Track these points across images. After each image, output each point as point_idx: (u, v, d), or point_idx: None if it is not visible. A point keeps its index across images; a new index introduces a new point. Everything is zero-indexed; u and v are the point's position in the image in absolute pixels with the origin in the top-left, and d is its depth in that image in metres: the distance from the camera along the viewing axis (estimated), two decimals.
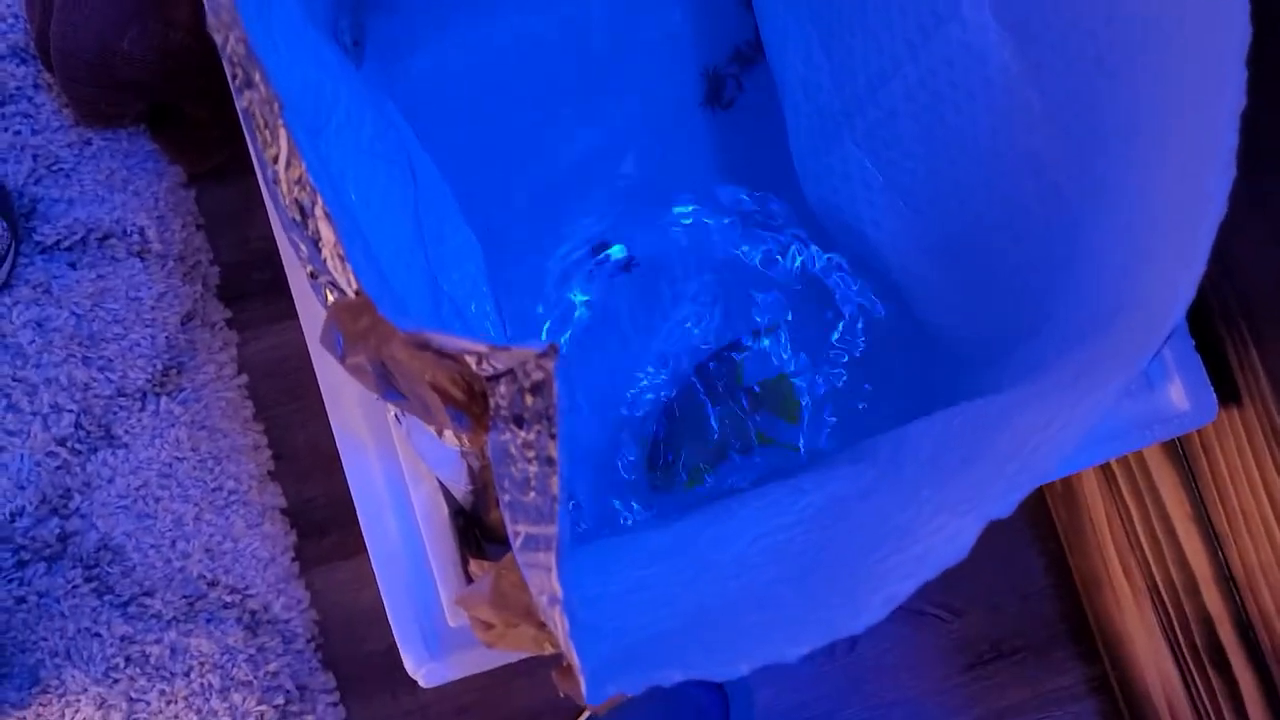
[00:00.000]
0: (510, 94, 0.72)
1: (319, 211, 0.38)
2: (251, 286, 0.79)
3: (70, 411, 0.74)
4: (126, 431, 0.75)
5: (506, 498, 0.37)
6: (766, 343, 0.70)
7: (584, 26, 0.73)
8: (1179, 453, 0.60)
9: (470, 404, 0.41)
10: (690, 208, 0.72)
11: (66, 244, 0.76)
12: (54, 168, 0.76)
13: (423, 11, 0.70)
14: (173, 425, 0.75)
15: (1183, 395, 0.52)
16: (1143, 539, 0.65)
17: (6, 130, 0.76)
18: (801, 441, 0.68)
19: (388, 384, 0.39)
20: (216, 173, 0.79)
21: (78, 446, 0.74)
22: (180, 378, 0.76)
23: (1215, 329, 0.54)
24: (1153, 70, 0.40)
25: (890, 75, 0.57)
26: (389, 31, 0.69)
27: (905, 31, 0.54)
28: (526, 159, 0.72)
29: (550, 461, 0.34)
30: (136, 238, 0.77)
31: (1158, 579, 0.65)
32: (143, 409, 0.75)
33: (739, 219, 0.72)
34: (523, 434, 0.35)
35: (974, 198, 0.56)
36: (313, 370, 0.77)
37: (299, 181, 0.38)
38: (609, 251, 0.71)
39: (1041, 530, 0.80)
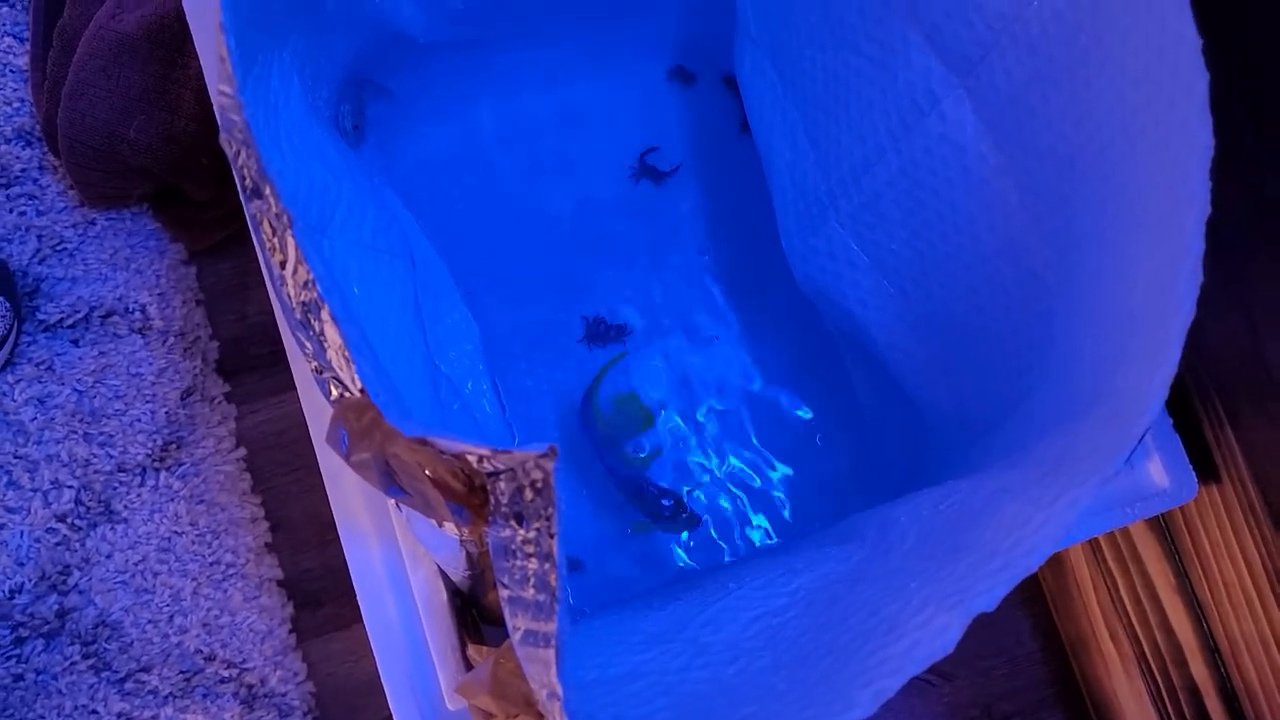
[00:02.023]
0: (501, 172, 0.74)
1: (325, 316, 0.39)
2: (249, 361, 0.80)
3: (70, 487, 0.75)
4: (126, 507, 0.76)
5: (507, 593, 0.38)
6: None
7: (573, 113, 0.75)
8: (1162, 525, 0.61)
9: (470, 497, 0.42)
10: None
11: (69, 322, 0.77)
12: (58, 247, 0.78)
13: (418, 98, 0.72)
14: (171, 500, 0.76)
15: (1163, 474, 0.54)
16: (1129, 607, 0.66)
17: (12, 212, 0.78)
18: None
19: (391, 481, 0.40)
20: (216, 249, 0.81)
21: (77, 522, 0.75)
22: (179, 452, 0.77)
23: (1192, 408, 0.56)
24: (1121, 175, 0.42)
25: (874, 162, 0.59)
26: (387, 116, 0.71)
27: (887, 122, 0.57)
28: (517, 234, 0.74)
29: (550, 559, 0.35)
30: (138, 314, 0.78)
31: (1145, 647, 0.66)
32: (142, 484, 0.76)
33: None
34: (523, 531, 0.36)
35: (955, 280, 0.58)
36: (308, 442, 0.79)
37: (306, 285, 0.39)
38: (602, 316, 0.73)
39: (1029, 594, 0.81)
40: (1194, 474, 0.54)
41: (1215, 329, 0.53)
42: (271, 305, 0.80)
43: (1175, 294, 0.37)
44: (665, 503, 0.65)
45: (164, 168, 0.73)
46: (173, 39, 0.71)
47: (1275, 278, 0.50)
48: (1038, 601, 0.80)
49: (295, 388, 0.79)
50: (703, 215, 0.75)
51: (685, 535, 0.69)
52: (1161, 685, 0.65)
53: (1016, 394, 0.54)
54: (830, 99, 0.60)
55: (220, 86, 0.37)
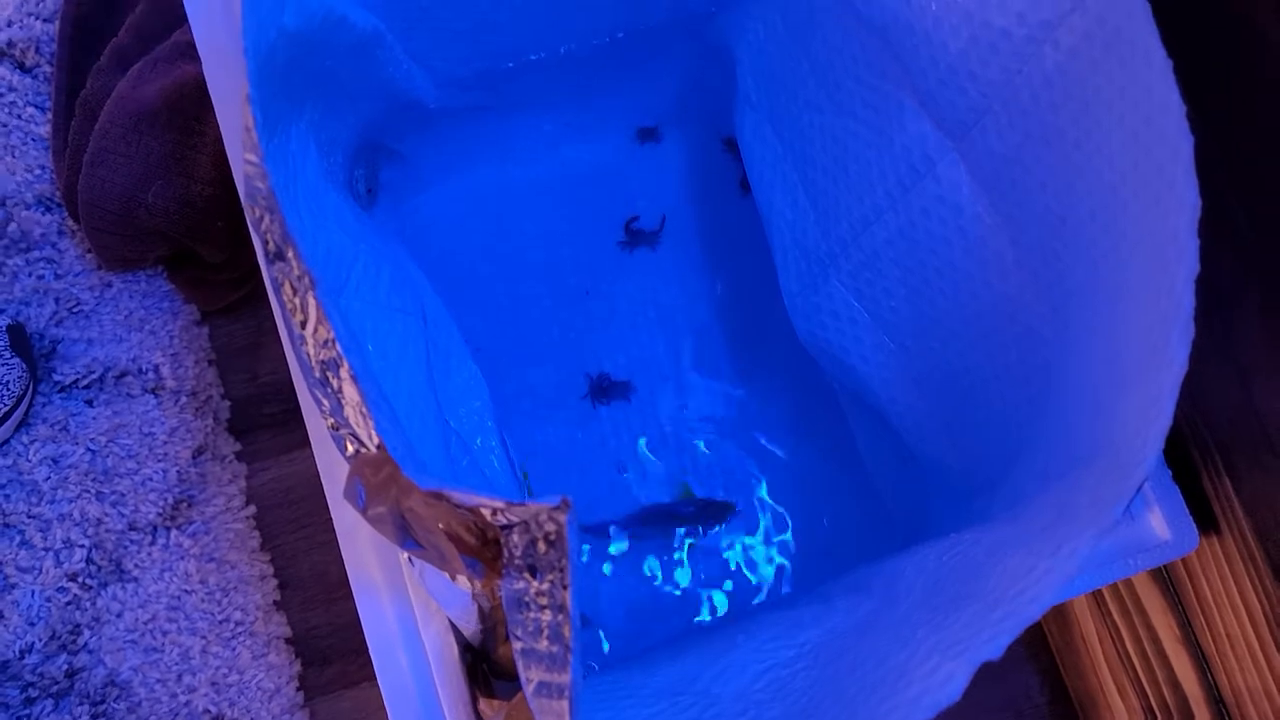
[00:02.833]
0: (506, 232, 0.76)
1: (344, 374, 0.40)
2: (260, 420, 0.81)
3: (82, 547, 0.76)
4: (136, 565, 0.76)
5: (520, 645, 0.38)
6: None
7: (575, 175, 0.77)
8: (1165, 577, 0.62)
9: (483, 550, 0.43)
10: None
11: (84, 382, 0.78)
12: (75, 310, 0.79)
13: (427, 161, 0.74)
14: (182, 558, 0.77)
15: (1164, 525, 0.55)
16: (1135, 660, 0.66)
17: (31, 275, 0.79)
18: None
19: (406, 534, 0.41)
20: (228, 311, 0.82)
21: (88, 581, 0.76)
22: (190, 510, 0.78)
23: (1191, 460, 0.57)
24: (1112, 234, 0.43)
25: (872, 221, 0.60)
26: (398, 179, 0.74)
27: (885, 184, 0.58)
28: (522, 292, 0.75)
29: (564, 610, 0.36)
30: (151, 375, 0.79)
31: (1152, 700, 0.66)
32: (153, 542, 0.77)
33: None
34: (536, 584, 0.37)
35: (954, 336, 0.59)
36: (317, 499, 0.80)
37: (325, 344, 0.41)
38: (606, 373, 0.74)
39: (1036, 648, 0.81)
40: (1194, 525, 0.54)
41: (1210, 383, 0.54)
42: (282, 365, 0.82)
43: (1168, 349, 0.38)
44: (687, 509, 0.67)
45: (180, 231, 0.75)
46: (191, 107, 0.74)
47: (1264, 333, 0.51)
48: (1045, 655, 0.80)
49: (304, 446, 0.80)
50: (704, 274, 0.77)
51: (721, 529, 0.70)
52: None
53: (1016, 447, 0.55)
54: (829, 161, 0.62)
55: (246, 155, 0.38)
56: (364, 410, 0.41)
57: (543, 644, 0.37)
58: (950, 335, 0.59)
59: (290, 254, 0.39)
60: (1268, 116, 0.48)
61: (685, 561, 0.70)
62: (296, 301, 0.41)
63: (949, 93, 0.52)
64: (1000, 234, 0.53)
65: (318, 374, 0.42)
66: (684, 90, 0.79)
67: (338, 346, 0.39)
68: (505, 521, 0.38)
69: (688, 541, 0.71)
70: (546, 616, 0.36)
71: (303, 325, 0.41)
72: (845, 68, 0.59)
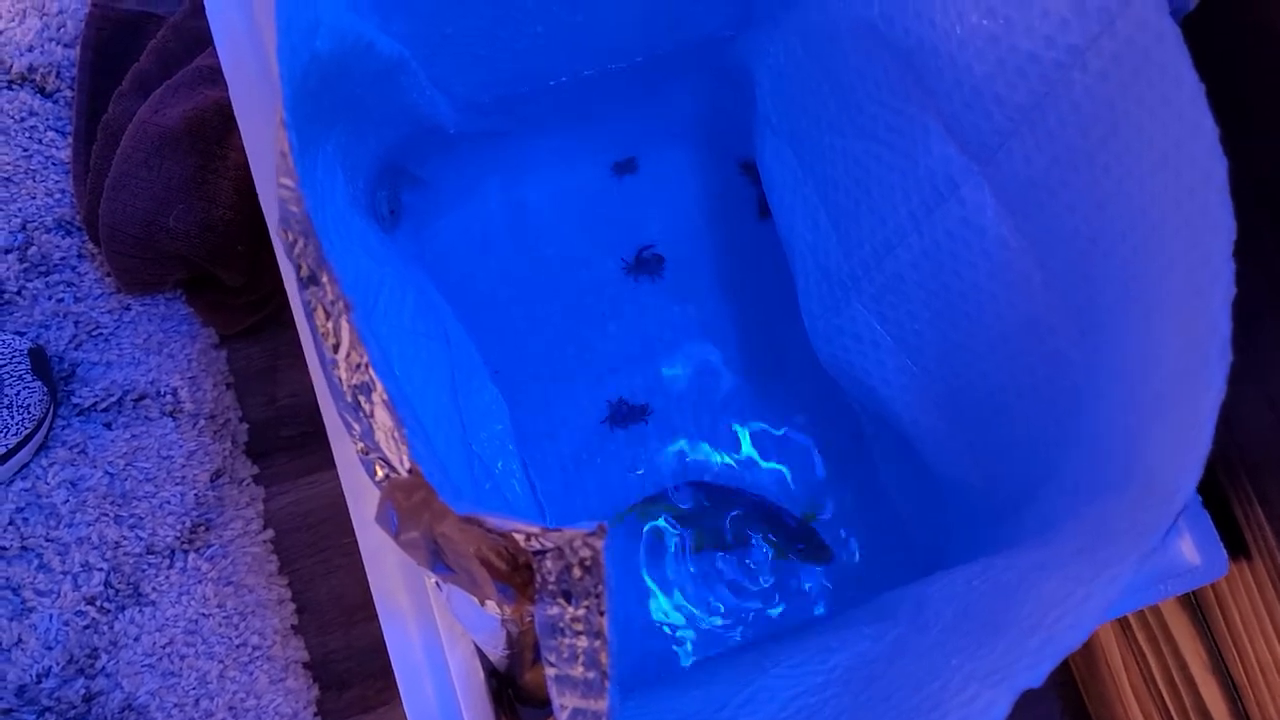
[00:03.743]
0: (525, 256, 0.76)
1: (377, 398, 0.40)
2: (279, 443, 0.81)
3: (100, 570, 0.76)
4: (154, 589, 0.76)
5: (554, 672, 0.38)
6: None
7: (594, 199, 0.77)
8: (1193, 604, 0.61)
9: (514, 576, 0.42)
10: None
11: (103, 405, 0.78)
12: (94, 333, 0.80)
13: (448, 185, 0.74)
14: (200, 582, 0.77)
15: (1194, 550, 0.54)
16: (1162, 689, 0.66)
17: (51, 298, 0.80)
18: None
19: (438, 559, 0.41)
20: (246, 334, 0.83)
21: (106, 605, 0.75)
22: (208, 534, 0.78)
23: (1220, 485, 0.56)
24: (1143, 256, 0.43)
25: (895, 244, 0.60)
26: (419, 203, 0.74)
27: (908, 206, 0.58)
28: (540, 316, 0.75)
29: (601, 636, 0.35)
30: (170, 398, 0.79)
31: None
32: (171, 566, 0.77)
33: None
34: (571, 609, 0.37)
35: (979, 359, 0.59)
36: (335, 523, 0.79)
37: (359, 368, 0.41)
38: (624, 397, 0.74)
39: (1059, 677, 0.80)
40: (1224, 550, 0.54)
41: (1240, 406, 0.54)
42: (300, 388, 0.82)
43: (1205, 374, 0.38)
44: (791, 523, 0.67)
45: (201, 255, 0.75)
46: (212, 132, 0.74)
47: None
48: (1068, 685, 0.80)
49: (323, 469, 0.80)
50: (723, 297, 0.76)
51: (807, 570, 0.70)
52: None
53: (1044, 471, 0.55)
54: (851, 183, 0.62)
55: (281, 179, 0.38)
56: (395, 435, 0.41)
57: (578, 670, 0.36)
58: (975, 358, 0.59)
59: (325, 278, 0.39)
60: None
61: (718, 580, 0.70)
62: (329, 326, 0.41)
63: (974, 116, 0.52)
64: (1026, 257, 0.53)
65: (349, 398, 0.42)
66: (702, 113, 0.79)
67: (371, 370, 0.39)
68: (539, 547, 0.38)
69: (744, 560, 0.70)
70: (582, 643, 0.36)
71: (335, 349, 0.41)
72: (867, 90, 0.59)
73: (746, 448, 0.73)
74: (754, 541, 0.70)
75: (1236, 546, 0.55)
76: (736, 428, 0.74)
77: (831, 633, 0.53)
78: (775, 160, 0.71)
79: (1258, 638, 0.56)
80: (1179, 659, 0.63)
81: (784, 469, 0.73)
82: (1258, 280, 0.51)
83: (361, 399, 0.41)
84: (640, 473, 0.72)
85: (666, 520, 0.70)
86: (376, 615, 0.76)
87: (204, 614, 0.76)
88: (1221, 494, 0.56)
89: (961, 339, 0.59)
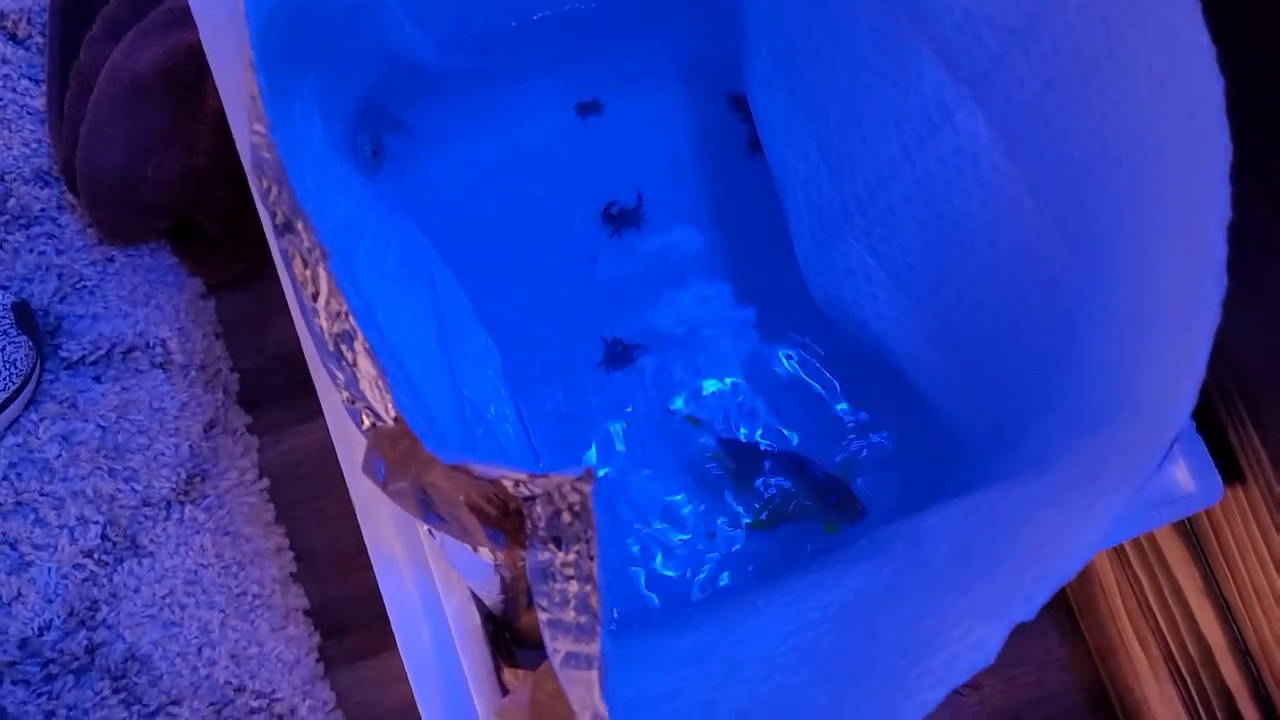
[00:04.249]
0: (513, 198, 0.75)
1: (359, 347, 0.39)
2: (270, 392, 0.81)
3: (96, 523, 0.75)
4: (152, 541, 0.76)
5: (546, 616, 0.38)
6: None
7: (583, 138, 0.76)
8: (1187, 529, 0.61)
9: (505, 522, 0.42)
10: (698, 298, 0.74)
11: (91, 359, 0.78)
12: (78, 285, 0.79)
13: (431, 128, 0.73)
14: (197, 532, 0.77)
15: (1188, 477, 0.54)
16: (1156, 610, 0.66)
17: (32, 251, 0.79)
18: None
19: (428, 508, 0.41)
20: (234, 282, 0.82)
21: (104, 558, 0.75)
22: (204, 485, 0.78)
23: (1215, 410, 0.56)
24: (1139, 181, 0.42)
25: (888, 176, 0.59)
26: (402, 147, 0.72)
27: (900, 136, 0.57)
28: (532, 259, 0.74)
29: (591, 580, 0.35)
30: (159, 349, 0.79)
31: (1174, 650, 0.66)
32: (167, 518, 0.77)
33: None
34: (561, 554, 0.37)
35: (973, 289, 0.58)
36: (331, 471, 0.79)
37: (339, 316, 0.40)
38: (619, 337, 0.73)
39: (1055, 601, 0.81)
40: (1219, 476, 0.54)
41: (1234, 331, 0.53)
42: (290, 336, 0.81)
43: (1200, 298, 0.37)
44: (820, 476, 0.67)
45: (182, 204, 0.74)
46: (187, 76, 0.72)
47: None
48: (1063, 608, 0.80)
49: (316, 418, 0.80)
50: (715, 234, 0.75)
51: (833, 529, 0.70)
52: (1193, 689, 0.65)
53: (1040, 401, 0.54)
54: (843, 114, 0.60)
55: (253, 125, 0.37)
56: (380, 383, 0.40)
57: (570, 615, 0.36)
58: (968, 287, 0.58)
59: (300, 226, 0.38)
60: None
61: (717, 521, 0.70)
62: (307, 274, 0.40)
63: (966, 39, 0.50)
64: (1019, 183, 0.52)
65: (331, 347, 0.41)
66: (690, 48, 0.77)
67: (352, 319, 0.38)
68: (528, 493, 0.38)
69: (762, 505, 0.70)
70: (573, 587, 0.36)
71: (314, 298, 0.40)
72: (858, 18, 0.57)
73: (742, 386, 0.73)
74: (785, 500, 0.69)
75: (1231, 472, 0.55)
76: (731, 365, 0.73)
77: (827, 569, 0.53)
78: (766, 93, 0.69)
79: (1252, 561, 0.56)
80: (1173, 582, 0.63)
81: (780, 405, 0.72)
82: (1258, 205, 0.50)
83: (344, 347, 0.40)
84: (629, 410, 0.71)
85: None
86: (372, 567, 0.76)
87: (203, 564, 0.76)
88: (1217, 419, 0.56)
89: (954, 269, 0.59)
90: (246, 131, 0.54)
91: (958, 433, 0.64)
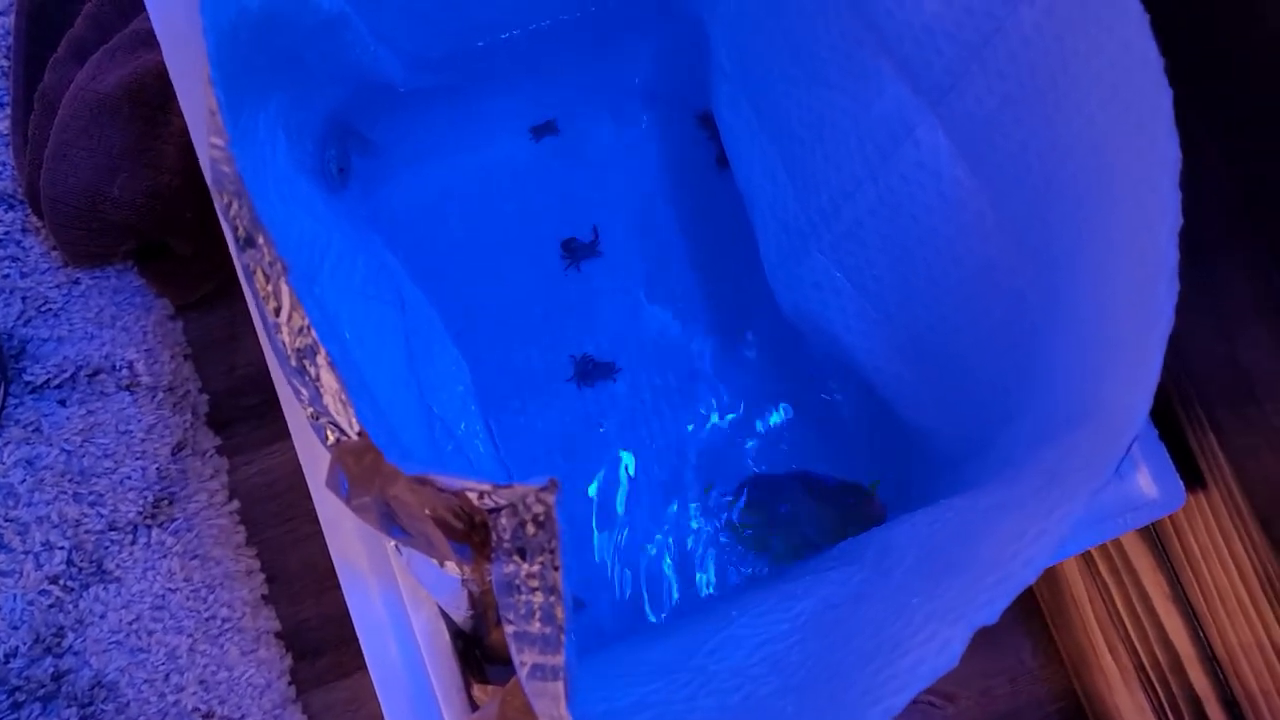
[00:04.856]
0: (480, 215, 0.75)
1: (321, 361, 0.39)
2: (240, 413, 0.80)
3: (62, 549, 0.75)
4: (118, 565, 0.75)
5: (512, 629, 0.38)
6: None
7: (549, 156, 0.76)
8: (1153, 535, 0.62)
9: (470, 535, 0.42)
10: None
11: (56, 382, 0.77)
12: (43, 308, 0.78)
13: (398, 146, 0.73)
14: (164, 556, 0.76)
15: (1151, 484, 0.55)
16: (1125, 618, 0.67)
17: None
18: None
19: (392, 522, 0.40)
20: (202, 303, 0.81)
21: (70, 583, 0.75)
22: (172, 508, 0.77)
23: (1175, 416, 0.57)
24: (1095, 193, 0.43)
25: (852, 191, 0.60)
26: (370, 165, 0.72)
27: (863, 152, 0.58)
28: (500, 276, 0.75)
29: (555, 591, 0.35)
30: (125, 372, 0.78)
31: (1144, 658, 0.67)
32: (134, 542, 0.76)
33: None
34: (526, 566, 0.37)
35: (938, 302, 0.59)
36: (302, 491, 0.79)
37: (301, 331, 0.40)
38: (589, 354, 0.73)
39: (1028, 611, 0.81)
40: (1181, 482, 0.55)
41: (1193, 338, 0.54)
42: (261, 356, 0.81)
43: (1153, 305, 0.38)
44: (849, 499, 0.66)
45: (148, 224, 0.74)
46: (153, 97, 0.72)
47: (1246, 285, 0.51)
48: (1036, 619, 0.81)
49: (287, 438, 0.79)
50: (685, 250, 0.76)
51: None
52: (1163, 697, 0.66)
53: (1005, 412, 0.55)
54: (806, 131, 0.61)
55: (212, 139, 0.37)
56: (343, 398, 0.40)
57: (535, 626, 0.36)
58: (934, 301, 0.59)
59: (261, 240, 0.38)
60: (1243, 67, 0.48)
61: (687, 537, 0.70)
62: (269, 289, 0.40)
63: (925, 54, 0.51)
64: (981, 197, 0.53)
65: (294, 362, 0.41)
66: (657, 66, 0.78)
67: (314, 333, 0.38)
68: (493, 504, 0.38)
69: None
70: (538, 599, 0.36)
71: (276, 313, 0.40)
72: (818, 35, 0.58)
73: (714, 399, 0.73)
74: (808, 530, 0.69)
75: (1193, 478, 0.56)
76: (703, 379, 0.73)
77: (796, 580, 0.53)
78: (731, 110, 0.70)
79: (1215, 566, 0.57)
80: (1140, 589, 0.64)
81: (752, 418, 0.73)
82: (1209, 210, 0.51)
83: (306, 363, 0.40)
84: (602, 430, 0.71)
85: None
86: None
87: (170, 589, 0.76)
88: (1177, 425, 0.57)
89: (920, 283, 0.59)
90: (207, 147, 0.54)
91: (926, 444, 0.65)
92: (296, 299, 0.37)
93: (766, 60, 0.64)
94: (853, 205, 0.60)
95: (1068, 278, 0.48)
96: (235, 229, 0.40)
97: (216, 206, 0.42)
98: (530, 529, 0.37)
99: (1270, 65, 0.47)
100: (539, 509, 0.36)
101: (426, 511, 0.40)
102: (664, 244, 0.76)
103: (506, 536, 0.38)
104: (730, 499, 0.70)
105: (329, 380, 0.40)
